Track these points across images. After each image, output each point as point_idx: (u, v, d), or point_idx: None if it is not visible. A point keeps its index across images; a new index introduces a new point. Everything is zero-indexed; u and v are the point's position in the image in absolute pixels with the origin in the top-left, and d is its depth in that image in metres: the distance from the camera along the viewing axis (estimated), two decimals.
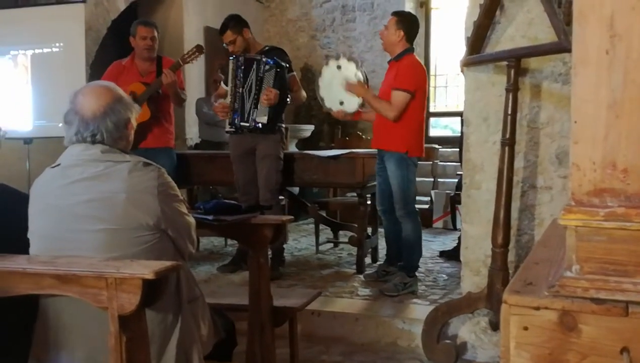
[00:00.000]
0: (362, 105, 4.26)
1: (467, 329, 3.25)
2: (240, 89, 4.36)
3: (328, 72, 4.27)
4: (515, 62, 2.83)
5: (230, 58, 4.41)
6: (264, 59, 4.32)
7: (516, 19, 3.05)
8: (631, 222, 1.09)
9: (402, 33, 4.04)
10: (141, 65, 4.53)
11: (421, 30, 8.58)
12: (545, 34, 2.91)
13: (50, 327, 1.88)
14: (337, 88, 4.17)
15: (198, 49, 4.46)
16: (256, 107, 4.33)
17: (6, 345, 1.95)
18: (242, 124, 4.37)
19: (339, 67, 4.20)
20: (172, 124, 4.69)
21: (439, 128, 9.01)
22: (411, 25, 4.11)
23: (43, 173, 1.94)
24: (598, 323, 1.11)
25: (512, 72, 2.83)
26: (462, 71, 3.33)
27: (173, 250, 1.97)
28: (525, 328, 1.15)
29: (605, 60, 1.11)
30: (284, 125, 4.62)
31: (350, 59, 4.25)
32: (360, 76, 4.12)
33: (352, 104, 4.20)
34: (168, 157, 4.49)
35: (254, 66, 4.33)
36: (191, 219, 2.07)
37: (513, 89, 2.85)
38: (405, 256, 4.18)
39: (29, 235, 1.90)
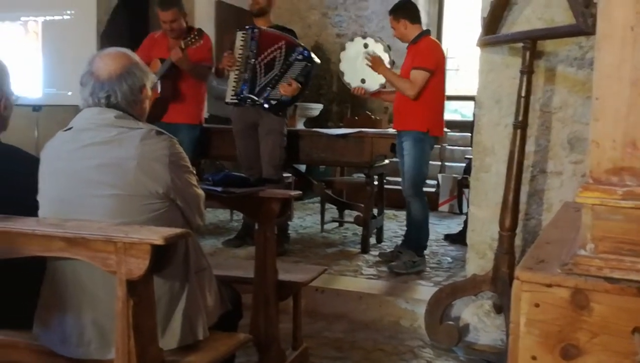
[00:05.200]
0: (383, 86, 4.34)
1: (470, 311, 3.25)
2: (253, 60, 4.30)
3: (353, 48, 4.35)
4: (531, 44, 2.79)
5: (245, 30, 4.32)
6: (300, 47, 4.29)
7: (533, 1, 3.01)
8: None
9: (404, 21, 4.14)
10: (171, 40, 4.48)
11: (434, 12, 8.55)
12: (562, 17, 2.88)
13: (57, 290, 1.89)
14: (362, 65, 4.22)
15: (198, 33, 4.37)
16: (272, 88, 4.29)
17: (12, 307, 1.96)
18: (249, 95, 4.31)
19: (365, 45, 4.28)
20: (197, 100, 4.62)
21: (448, 112, 8.93)
22: (407, 9, 4.20)
23: (55, 136, 1.93)
24: (611, 302, 1.10)
25: (528, 54, 2.80)
26: None
27: (182, 220, 1.96)
28: (537, 305, 1.14)
29: (630, 36, 1.09)
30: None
31: (378, 40, 4.33)
32: (387, 58, 4.21)
33: (374, 82, 4.32)
34: (190, 133, 4.43)
35: (284, 45, 4.26)
36: (200, 191, 2.07)
37: (528, 72, 2.81)
38: (413, 236, 4.23)
39: (39, 197, 1.90)
